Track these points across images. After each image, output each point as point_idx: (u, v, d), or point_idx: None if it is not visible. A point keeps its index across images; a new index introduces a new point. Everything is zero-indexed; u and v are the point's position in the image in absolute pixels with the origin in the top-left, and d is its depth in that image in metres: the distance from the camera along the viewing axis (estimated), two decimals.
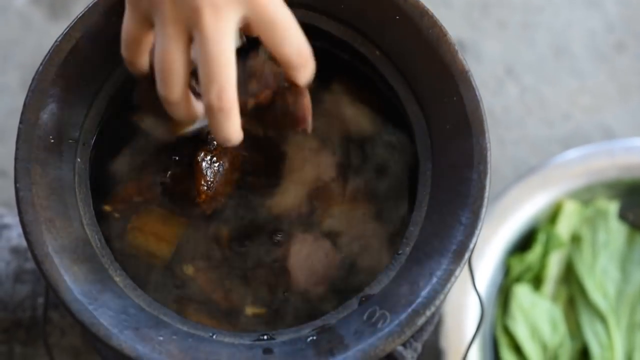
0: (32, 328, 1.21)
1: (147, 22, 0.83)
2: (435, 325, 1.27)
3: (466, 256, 0.85)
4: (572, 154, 1.42)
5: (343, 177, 0.95)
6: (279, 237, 0.93)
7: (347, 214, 0.94)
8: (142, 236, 0.92)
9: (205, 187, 0.92)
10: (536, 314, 1.38)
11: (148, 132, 0.94)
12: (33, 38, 1.61)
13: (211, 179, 0.92)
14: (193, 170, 0.92)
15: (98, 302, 0.85)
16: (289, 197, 0.95)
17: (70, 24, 0.89)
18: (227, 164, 0.93)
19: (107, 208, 0.93)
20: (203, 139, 0.92)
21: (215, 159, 0.92)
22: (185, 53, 0.81)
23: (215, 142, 0.92)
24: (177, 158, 0.93)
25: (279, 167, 0.96)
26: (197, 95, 0.85)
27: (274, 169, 0.96)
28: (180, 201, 0.93)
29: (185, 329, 0.86)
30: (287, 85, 0.86)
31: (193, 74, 0.83)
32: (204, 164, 0.92)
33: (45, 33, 1.61)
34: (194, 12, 0.79)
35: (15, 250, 1.22)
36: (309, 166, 0.95)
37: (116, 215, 0.93)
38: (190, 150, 0.92)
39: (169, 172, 0.93)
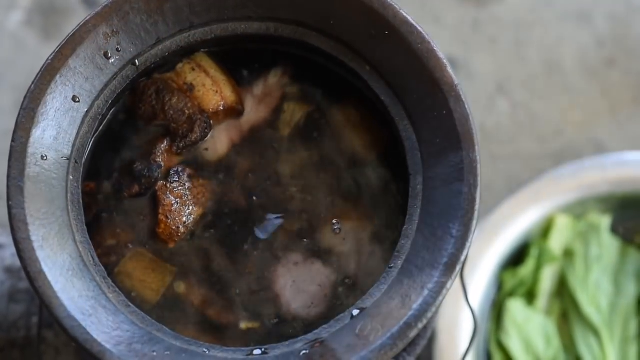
0: (27, 347, 1.21)
1: None
2: (429, 340, 1.27)
3: (457, 268, 0.85)
4: (564, 168, 1.42)
5: (332, 193, 0.95)
6: (269, 256, 0.94)
7: (338, 230, 0.94)
8: (130, 281, 0.92)
9: (164, 217, 0.92)
10: (530, 328, 1.38)
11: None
12: (26, 59, 1.61)
13: (171, 209, 0.92)
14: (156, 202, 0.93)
15: (92, 319, 0.85)
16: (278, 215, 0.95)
17: (62, 42, 0.90)
18: (190, 195, 0.93)
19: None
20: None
21: (177, 189, 0.93)
22: None
23: (179, 174, 0.93)
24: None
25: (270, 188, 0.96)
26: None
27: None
28: (151, 237, 0.94)
29: (178, 344, 0.87)
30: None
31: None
32: (161, 193, 0.93)
33: (38, 54, 1.61)
34: None
35: (9, 270, 1.22)
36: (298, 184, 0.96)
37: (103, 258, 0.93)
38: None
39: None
